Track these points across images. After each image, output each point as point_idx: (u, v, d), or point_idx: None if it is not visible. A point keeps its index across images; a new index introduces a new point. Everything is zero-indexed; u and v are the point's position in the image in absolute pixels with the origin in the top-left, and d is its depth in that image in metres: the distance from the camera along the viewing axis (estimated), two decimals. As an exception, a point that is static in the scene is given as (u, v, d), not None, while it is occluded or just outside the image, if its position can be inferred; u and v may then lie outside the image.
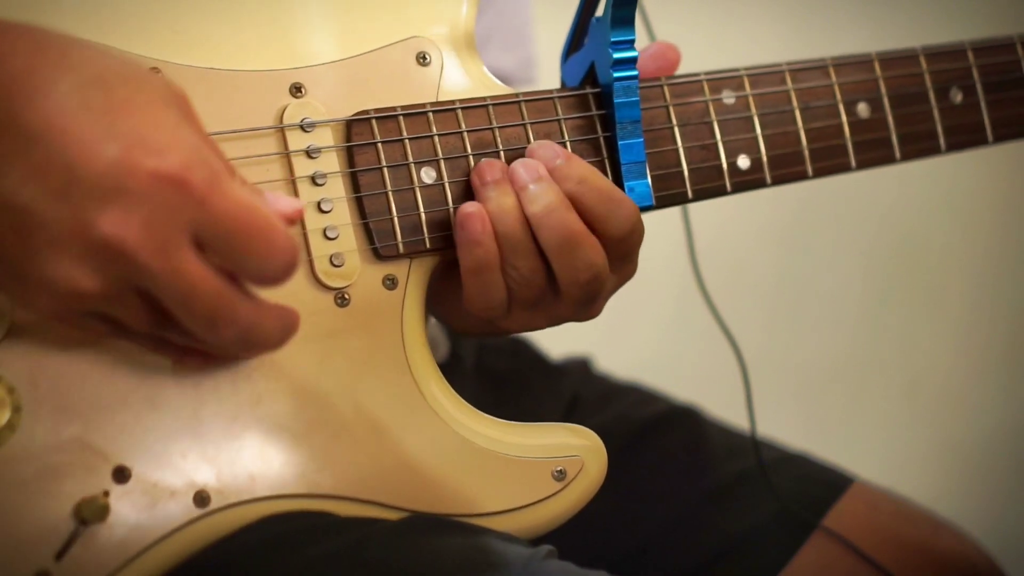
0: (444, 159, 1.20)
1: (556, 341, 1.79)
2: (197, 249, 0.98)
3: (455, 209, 1.19)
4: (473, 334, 1.38)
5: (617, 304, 1.31)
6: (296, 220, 1.09)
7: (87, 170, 0.94)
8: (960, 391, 3.02)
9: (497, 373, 1.66)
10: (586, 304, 1.22)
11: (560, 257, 1.18)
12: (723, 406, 1.68)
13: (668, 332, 2.80)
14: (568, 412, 1.63)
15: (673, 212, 1.41)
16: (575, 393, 1.67)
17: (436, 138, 1.20)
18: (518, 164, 1.18)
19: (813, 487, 1.53)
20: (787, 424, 1.97)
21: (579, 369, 1.73)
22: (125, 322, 1.02)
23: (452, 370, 1.51)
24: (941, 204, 2.96)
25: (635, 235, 1.21)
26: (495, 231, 1.17)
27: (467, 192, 1.20)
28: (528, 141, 1.22)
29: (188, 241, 0.97)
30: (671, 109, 1.28)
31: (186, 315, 1.00)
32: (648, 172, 1.25)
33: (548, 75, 1.51)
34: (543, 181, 1.17)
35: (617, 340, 2.50)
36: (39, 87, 0.95)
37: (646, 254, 1.26)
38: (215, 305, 0.99)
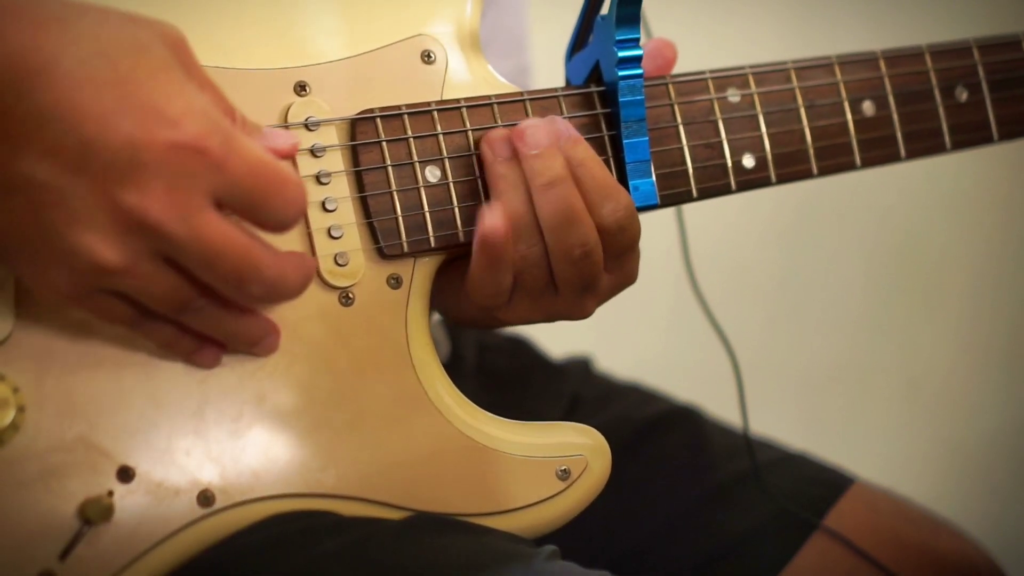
0: (449, 158, 1.20)
1: (556, 341, 1.79)
2: (217, 209, 1.00)
3: (460, 209, 1.19)
4: (469, 325, 1.38)
5: (617, 304, 1.31)
6: (293, 155, 1.12)
7: (104, 145, 0.95)
8: (960, 391, 3.02)
9: (498, 372, 1.66)
10: (579, 292, 1.21)
11: (555, 233, 1.17)
12: (723, 407, 1.68)
13: (668, 332, 2.80)
14: (568, 412, 1.63)
15: (669, 213, 1.41)
16: (575, 393, 1.67)
17: (441, 137, 1.20)
18: (529, 128, 1.17)
19: (813, 487, 1.53)
20: (787, 424, 1.97)
21: (579, 369, 1.73)
22: (145, 300, 1.02)
23: (453, 369, 1.51)
24: (941, 204, 2.96)
25: (629, 231, 1.21)
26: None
27: (472, 191, 1.20)
28: None
29: (209, 203, 0.99)
30: (676, 107, 1.28)
31: (214, 276, 1.02)
32: (653, 170, 1.25)
33: (543, 81, 1.52)
34: (550, 151, 1.17)
35: (617, 340, 2.51)
36: (44, 64, 0.96)
37: (647, 253, 1.26)
38: (241, 263, 1.01)
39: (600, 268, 1.21)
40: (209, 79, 1.05)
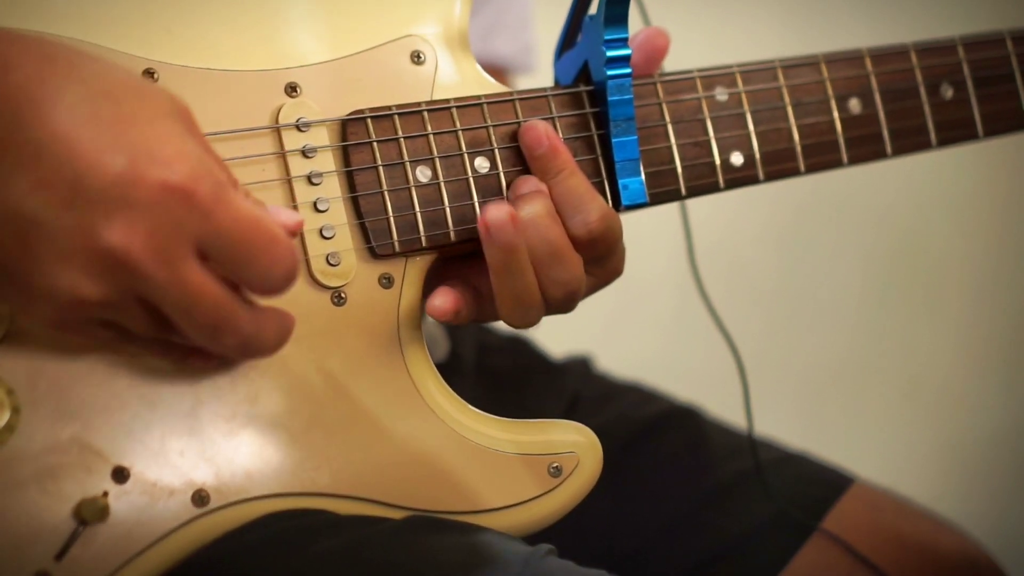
0: (439, 158, 1.20)
1: (556, 340, 1.80)
2: (200, 259, 0.99)
3: (451, 208, 1.20)
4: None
5: (618, 304, 1.32)
6: (296, 233, 1.10)
7: (94, 181, 0.95)
8: (960, 391, 3.02)
9: (497, 372, 1.66)
10: (561, 309, 1.23)
11: (542, 268, 1.18)
12: (723, 406, 1.68)
13: (669, 332, 2.79)
14: (568, 411, 1.63)
15: (673, 213, 1.41)
16: (575, 392, 1.67)
17: (431, 137, 1.20)
18: (520, 178, 1.20)
19: (813, 487, 1.53)
20: (787, 424, 1.97)
21: (579, 368, 1.73)
22: (128, 328, 1.02)
23: (452, 369, 1.52)
24: (941, 204, 2.96)
25: (607, 237, 1.21)
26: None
27: (463, 191, 1.20)
28: None
29: (192, 252, 0.98)
30: (664, 106, 1.28)
31: (188, 325, 1.01)
32: (642, 169, 1.25)
33: (547, 65, 1.52)
34: (537, 194, 1.18)
35: (617, 339, 2.51)
36: (47, 97, 0.96)
37: (648, 253, 1.27)
38: (217, 316, 1.00)
39: (581, 292, 1.21)
40: (212, 147, 1.04)
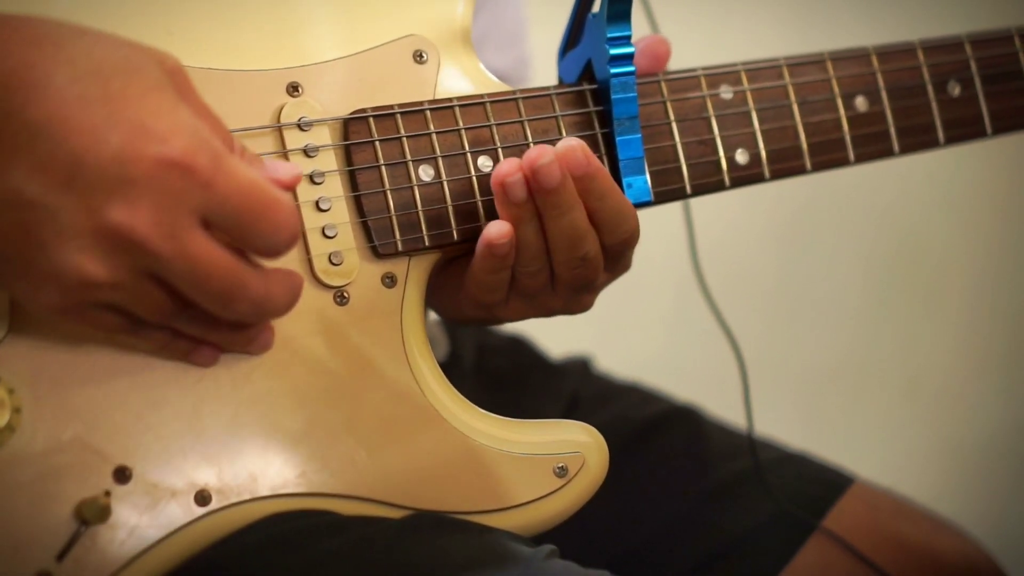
0: (442, 157, 1.20)
1: (556, 341, 1.79)
2: (205, 229, 1.00)
3: (453, 207, 1.19)
4: (467, 323, 1.39)
5: (618, 303, 1.31)
6: (294, 186, 1.10)
7: (92, 161, 0.95)
8: (960, 391, 3.02)
9: (497, 372, 1.66)
10: (576, 292, 1.23)
11: (561, 252, 1.18)
12: (723, 406, 1.68)
13: (668, 332, 2.80)
14: (568, 411, 1.63)
15: (675, 212, 1.41)
16: (575, 393, 1.67)
17: (434, 136, 1.20)
18: (542, 168, 1.15)
19: (813, 487, 1.53)
20: (787, 424, 1.97)
21: (579, 369, 1.73)
22: (136, 311, 1.02)
23: (452, 369, 1.51)
24: (941, 204, 2.96)
25: (632, 241, 1.22)
26: (516, 243, 1.17)
27: (466, 190, 1.20)
28: (526, 138, 1.23)
29: (196, 222, 0.99)
30: (669, 105, 1.28)
31: (200, 295, 1.01)
32: (646, 168, 1.25)
33: (542, 75, 1.52)
34: (564, 186, 1.16)
35: (617, 340, 2.51)
36: (37, 81, 0.96)
37: (648, 253, 1.26)
38: (227, 283, 1.01)
39: (599, 271, 1.21)
40: (208, 108, 1.05)
